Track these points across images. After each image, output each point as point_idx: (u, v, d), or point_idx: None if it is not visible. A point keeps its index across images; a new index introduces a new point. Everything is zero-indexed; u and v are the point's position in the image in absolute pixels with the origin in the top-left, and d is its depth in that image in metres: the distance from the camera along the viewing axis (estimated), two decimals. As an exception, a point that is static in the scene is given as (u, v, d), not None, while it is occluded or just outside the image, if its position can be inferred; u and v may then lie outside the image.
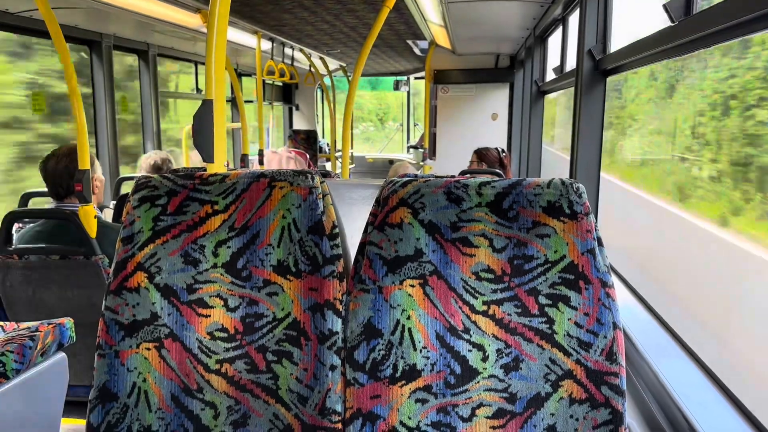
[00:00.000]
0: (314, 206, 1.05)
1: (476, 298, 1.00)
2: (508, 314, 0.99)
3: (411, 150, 9.07)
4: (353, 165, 7.81)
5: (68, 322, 1.74)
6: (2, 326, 1.65)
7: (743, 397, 1.19)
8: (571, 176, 2.31)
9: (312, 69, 6.61)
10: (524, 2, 3.46)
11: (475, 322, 0.99)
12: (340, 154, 6.99)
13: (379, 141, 12.68)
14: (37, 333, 1.59)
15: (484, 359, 0.99)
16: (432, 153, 6.18)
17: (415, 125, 10.10)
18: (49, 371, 1.65)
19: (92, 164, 2.48)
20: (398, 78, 9.25)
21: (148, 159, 3.74)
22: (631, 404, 1.35)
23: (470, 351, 0.99)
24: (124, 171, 4.39)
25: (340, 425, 1.02)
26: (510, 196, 1.01)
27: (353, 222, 1.13)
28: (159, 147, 4.68)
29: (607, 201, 2.58)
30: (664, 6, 1.51)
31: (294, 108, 8.84)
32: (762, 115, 1.70)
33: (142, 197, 1.08)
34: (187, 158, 5.05)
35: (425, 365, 1.00)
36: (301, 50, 5.99)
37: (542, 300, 0.98)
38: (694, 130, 2.26)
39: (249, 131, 5.34)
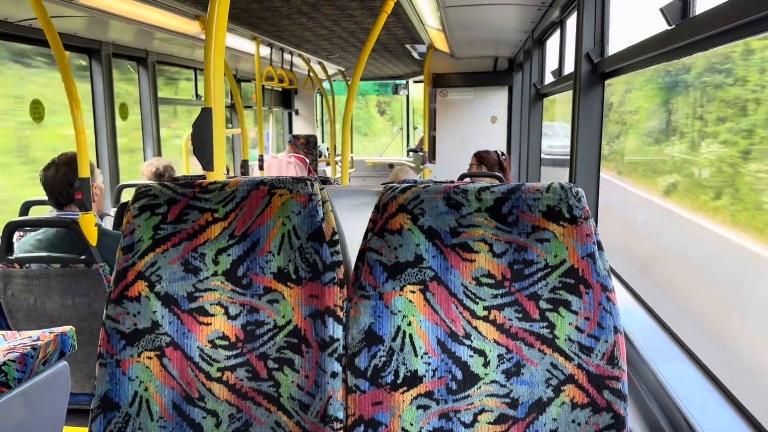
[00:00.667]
0: (314, 213, 1.05)
1: (477, 303, 1.00)
2: (509, 319, 0.99)
3: (411, 153, 9.09)
4: (353, 169, 7.83)
5: (70, 330, 1.74)
6: (3, 335, 1.66)
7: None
8: (570, 180, 2.31)
9: (311, 74, 6.62)
10: (522, 6, 3.47)
11: (476, 328, 0.99)
12: (339, 158, 7.00)
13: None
14: (39, 342, 1.59)
15: (486, 365, 0.99)
16: (432, 156, 6.19)
17: (414, 128, 10.11)
18: (51, 380, 1.65)
19: (92, 172, 2.49)
20: (397, 82, 9.28)
21: (149, 166, 3.74)
22: (633, 408, 1.35)
23: (471, 356, 1.00)
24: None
25: None
26: (509, 201, 1.01)
27: (353, 228, 1.13)
28: (159, 153, 4.69)
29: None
30: (662, 9, 1.52)
31: (294, 113, 8.85)
32: None
33: (141, 206, 1.08)
34: (188, 166, 5.05)
35: (426, 371, 1.00)
36: (299, 56, 6.00)
37: (543, 305, 0.98)
38: None
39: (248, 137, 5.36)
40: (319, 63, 6.72)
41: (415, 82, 9.32)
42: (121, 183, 3.75)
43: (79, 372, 2.40)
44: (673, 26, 1.50)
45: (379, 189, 1.10)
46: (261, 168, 5.07)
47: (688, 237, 2.12)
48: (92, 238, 2.28)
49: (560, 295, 0.98)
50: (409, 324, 1.00)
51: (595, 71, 2.23)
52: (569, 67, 3.24)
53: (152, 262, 1.06)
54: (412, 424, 1.00)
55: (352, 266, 1.07)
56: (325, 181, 4.90)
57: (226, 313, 1.05)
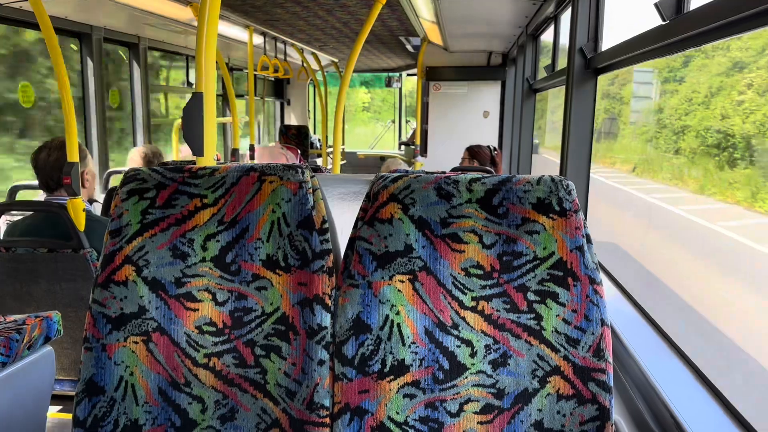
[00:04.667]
0: (304, 201, 1.05)
1: (465, 294, 1.00)
2: (497, 310, 0.99)
3: (403, 147, 9.08)
4: (344, 161, 7.81)
5: (56, 315, 1.72)
6: None
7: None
8: (561, 173, 2.32)
9: (304, 64, 6.59)
10: (517, 0, 3.47)
11: (463, 318, 0.99)
12: (331, 150, 6.98)
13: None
14: (24, 326, 1.58)
15: (473, 355, 1.00)
16: (423, 150, 6.19)
17: (407, 122, 10.10)
18: (36, 365, 1.64)
19: (84, 157, 2.47)
20: (390, 74, 9.25)
21: (137, 152, 3.72)
22: (618, 400, 1.36)
23: (459, 346, 1.00)
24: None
25: (327, 420, 1.02)
26: (500, 193, 1.01)
27: (343, 217, 1.13)
28: (149, 140, 4.65)
29: None
30: (656, 4, 1.52)
31: (285, 103, 8.81)
32: None
33: (130, 190, 1.07)
34: (177, 152, 5.02)
35: (414, 360, 1.00)
36: (293, 45, 5.98)
37: (531, 296, 0.98)
38: None
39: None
40: (313, 54, 6.69)
41: (408, 75, 9.31)
42: (110, 169, 3.73)
43: (65, 358, 2.38)
44: (668, 21, 1.50)
45: (370, 178, 1.10)
46: (252, 158, 5.06)
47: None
48: (80, 224, 2.26)
49: (548, 287, 0.98)
50: (398, 313, 1.00)
51: (589, 66, 2.23)
52: (563, 63, 3.24)
53: (140, 246, 1.05)
54: (398, 413, 1.00)
55: (342, 255, 1.07)
56: (316, 169, 4.89)
57: (214, 299, 1.05)
